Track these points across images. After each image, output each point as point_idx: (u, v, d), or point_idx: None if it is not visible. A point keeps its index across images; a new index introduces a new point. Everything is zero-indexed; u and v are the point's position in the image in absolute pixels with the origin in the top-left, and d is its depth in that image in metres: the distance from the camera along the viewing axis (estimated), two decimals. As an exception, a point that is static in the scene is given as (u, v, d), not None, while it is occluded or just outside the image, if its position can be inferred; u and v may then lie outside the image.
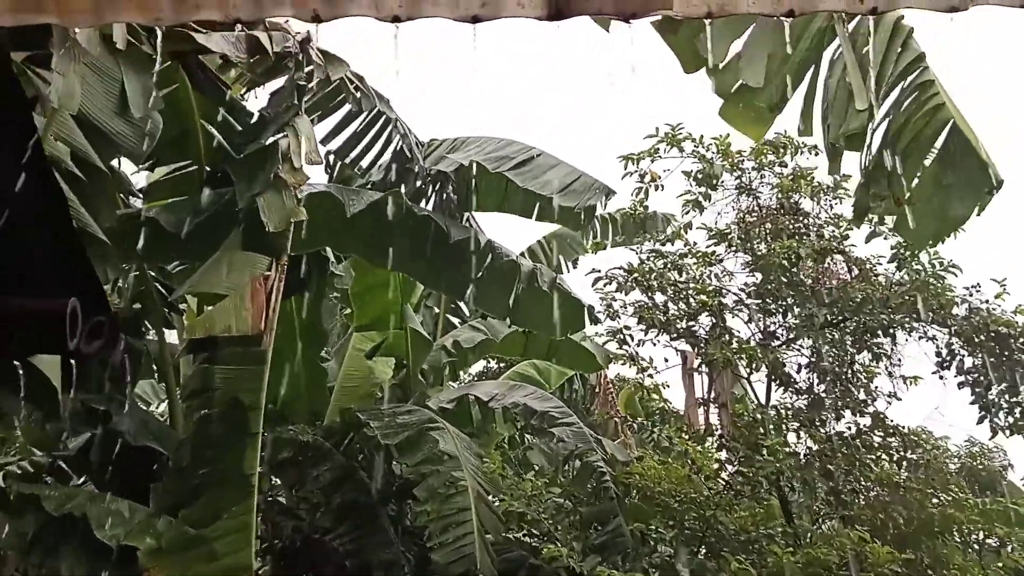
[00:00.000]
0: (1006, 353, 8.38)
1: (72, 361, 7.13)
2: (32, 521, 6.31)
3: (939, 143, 4.58)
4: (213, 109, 8.48)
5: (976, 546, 9.77)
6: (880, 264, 8.89)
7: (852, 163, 5.56)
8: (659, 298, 8.87)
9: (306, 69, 8.36)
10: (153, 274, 8.33)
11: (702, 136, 9.27)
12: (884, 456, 8.73)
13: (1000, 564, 8.58)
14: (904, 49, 4.71)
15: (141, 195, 8.97)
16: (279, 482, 8.88)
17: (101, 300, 2.54)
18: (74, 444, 8.14)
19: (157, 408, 11.00)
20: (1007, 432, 8.45)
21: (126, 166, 7.99)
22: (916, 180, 4.75)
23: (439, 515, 7.61)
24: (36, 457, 8.13)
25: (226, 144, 8.58)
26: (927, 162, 4.73)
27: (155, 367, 9.11)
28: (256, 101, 8.98)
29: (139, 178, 8.95)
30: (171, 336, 8.97)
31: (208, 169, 8.65)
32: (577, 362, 11.14)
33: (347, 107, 9.09)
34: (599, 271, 9.18)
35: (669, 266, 9.02)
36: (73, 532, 6.29)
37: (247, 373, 6.45)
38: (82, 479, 7.92)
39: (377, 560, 7.90)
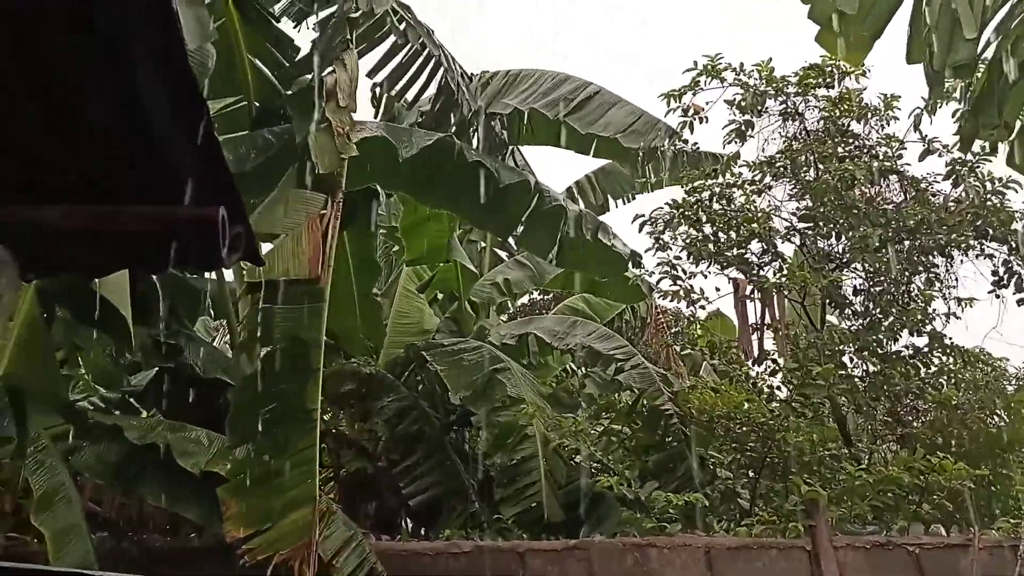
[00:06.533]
0: (1070, 268, 8.24)
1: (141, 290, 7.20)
2: (115, 450, 6.44)
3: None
4: (260, 42, 8.38)
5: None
6: (936, 182, 8.74)
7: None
8: (708, 229, 8.77)
9: (356, -2, 8.20)
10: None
11: (742, 64, 9.10)
12: (943, 377, 8.69)
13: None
14: None
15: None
16: (341, 413, 8.98)
17: (239, 209, 2.51)
18: (139, 379, 8.28)
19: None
20: (1073, 348, 8.31)
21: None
22: None
23: (508, 464, 7.70)
24: (105, 393, 8.25)
25: (274, 79, 8.50)
26: None
27: (211, 304, 9.17)
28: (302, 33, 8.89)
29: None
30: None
31: (257, 105, 8.59)
32: (623, 295, 11.12)
33: (392, 38, 8.96)
34: (643, 215, 9.05)
35: (716, 197, 8.92)
36: (155, 460, 6.42)
37: (306, 311, 6.43)
38: (152, 411, 8.05)
39: (446, 490, 7.98)
